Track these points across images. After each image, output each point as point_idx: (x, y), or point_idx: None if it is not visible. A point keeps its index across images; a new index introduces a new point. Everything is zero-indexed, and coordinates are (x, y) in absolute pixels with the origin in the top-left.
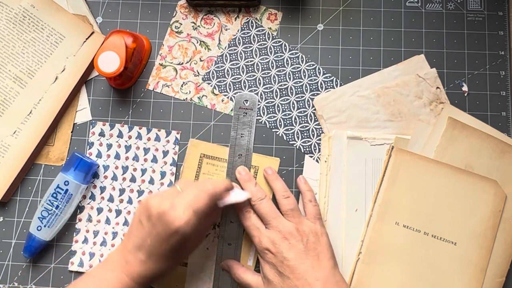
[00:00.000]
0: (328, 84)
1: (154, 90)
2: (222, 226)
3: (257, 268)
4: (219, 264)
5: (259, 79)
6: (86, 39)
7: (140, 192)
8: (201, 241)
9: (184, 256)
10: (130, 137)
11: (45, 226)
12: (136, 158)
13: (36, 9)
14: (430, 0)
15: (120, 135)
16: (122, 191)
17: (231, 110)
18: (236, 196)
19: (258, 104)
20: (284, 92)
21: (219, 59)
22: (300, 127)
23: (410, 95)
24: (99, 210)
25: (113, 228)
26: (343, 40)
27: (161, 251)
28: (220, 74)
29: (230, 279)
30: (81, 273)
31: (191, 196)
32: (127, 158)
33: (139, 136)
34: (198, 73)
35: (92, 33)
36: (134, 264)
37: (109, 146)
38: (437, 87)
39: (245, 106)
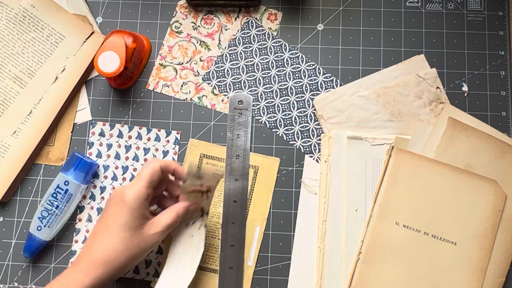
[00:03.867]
0: (328, 84)
1: (154, 90)
2: (224, 227)
3: (257, 268)
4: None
5: (259, 79)
6: (86, 39)
7: None
8: (146, 215)
9: (134, 230)
10: (130, 137)
11: (45, 226)
12: (136, 158)
13: (36, 9)
14: (430, 0)
15: (120, 135)
16: None
17: None
18: None
19: (258, 104)
20: (284, 92)
21: (219, 59)
22: (300, 127)
23: (410, 95)
24: (99, 210)
25: None
26: (343, 40)
27: (108, 226)
28: (220, 74)
29: (235, 279)
30: None
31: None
32: (127, 158)
33: (139, 136)
34: (198, 73)
35: (92, 33)
36: (82, 253)
37: (109, 146)
38: (437, 87)
39: (240, 106)
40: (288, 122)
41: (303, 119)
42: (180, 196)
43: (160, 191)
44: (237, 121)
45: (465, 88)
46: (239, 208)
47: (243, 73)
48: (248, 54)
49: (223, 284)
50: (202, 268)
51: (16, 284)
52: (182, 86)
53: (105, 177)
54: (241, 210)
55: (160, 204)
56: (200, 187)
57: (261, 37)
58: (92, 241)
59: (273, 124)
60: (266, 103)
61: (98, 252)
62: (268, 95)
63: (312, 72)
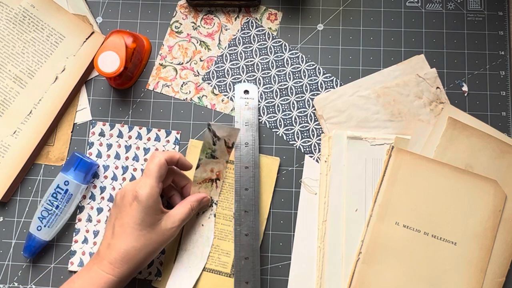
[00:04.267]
0: (328, 84)
1: (154, 90)
2: (236, 216)
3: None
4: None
5: (259, 79)
6: (86, 39)
7: None
8: (160, 209)
9: (151, 227)
10: (130, 137)
11: (45, 226)
12: (136, 158)
13: (36, 9)
14: (430, 0)
15: (120, 135)
16: None
17: (232, 110)
18: None
19: (258, 104)
20: (284, 92)
21: (219, 59)
22: (300, 127)
23: (410, 95)
24: (99, 210)
25: None
26: (343, 40)
27: (125, 225)
28: (220, 74)
29: (251, 265)
30: None
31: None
32: (127, 158)
33: (139, 136)
34: (198, 73)
35: (92, 33)
36: (102, 251)
37: (109, 146)
38: (437, 87)
39: (245, 96)
40: (288, 122)
41: (303, 119)
42: (191, 188)
43: (168, 183)
44: (244, 110)
45: (465, 88)
46: (252, 196)
47: (243, 73)
48: (248, 54)
49: (239, 276)
50: (206, 270)
51: (16, 284)
52: (182, 86)
53: (105, 177)
54: (254, 198)
55: (166, 195)
56: (210, 173)
57: (261, 37)
58: (112, 241)
59: (273, 124)
60: (266, 103)
61: (119, 251)
62: (268, 95)
63: (312, 72)
